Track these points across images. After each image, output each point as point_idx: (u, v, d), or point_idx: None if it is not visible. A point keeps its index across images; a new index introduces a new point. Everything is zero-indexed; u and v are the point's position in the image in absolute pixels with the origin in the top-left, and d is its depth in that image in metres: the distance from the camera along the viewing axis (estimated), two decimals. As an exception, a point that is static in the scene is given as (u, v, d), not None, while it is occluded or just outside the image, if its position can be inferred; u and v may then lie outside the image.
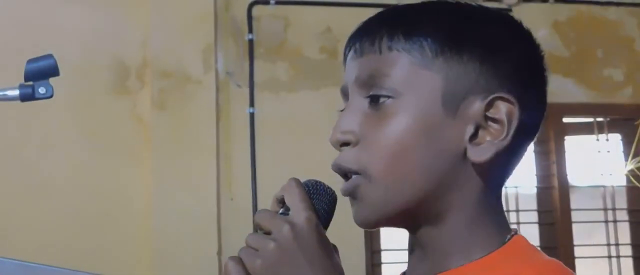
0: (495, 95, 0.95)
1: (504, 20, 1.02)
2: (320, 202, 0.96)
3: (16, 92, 1.54)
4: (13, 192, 3.57)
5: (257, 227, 0.95)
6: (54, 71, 1.53)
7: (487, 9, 1.03)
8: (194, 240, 3.57)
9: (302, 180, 0.97)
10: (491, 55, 0.97)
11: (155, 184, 3.62)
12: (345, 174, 0.98)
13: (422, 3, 1.01)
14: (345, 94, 1.01)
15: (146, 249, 3.57)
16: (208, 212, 3.62)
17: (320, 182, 0.97)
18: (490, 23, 1.00)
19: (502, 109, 0.95)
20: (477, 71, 0.96)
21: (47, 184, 3.59)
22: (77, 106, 3.67)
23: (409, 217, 0.98)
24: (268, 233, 0.93)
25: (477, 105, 0.95)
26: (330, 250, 0.94)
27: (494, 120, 0.96)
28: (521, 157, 1.01)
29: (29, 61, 1.54)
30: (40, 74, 1.53)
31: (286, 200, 0.95)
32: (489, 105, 0.95)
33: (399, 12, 1.00)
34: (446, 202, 0.96)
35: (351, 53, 1.01)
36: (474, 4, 1.02)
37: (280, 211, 0.95)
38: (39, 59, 1.54)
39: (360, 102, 0.98)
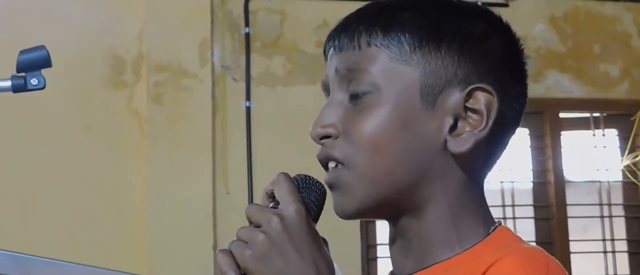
0: (474, 86, 0.97)
1: (482, 14, 1.03)
2: (310, 195, 0.97)
3: (8, 83, 1.53)
4: (8, 185, 3.56)
5: (248, 221, 0.96)
6: (46, 62, 1.53)
7: (465, 3, 1.04)
8: (189, 234, 3.57)
9: (292, 175, 0.98)
10: (468, 48, 0.98)
11: (151, 178, 3.62)
12: (327, 164, 1.00)
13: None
14: (326, 89, 1.04)
15: (142, 242, 3.57)
16: (204, 205, 3.62)
17: (309, 176, 0.98)
18: (468, 17, 1.01)
19: (481, 99, 0.97)
20: (455, 64, 0.98)
21: (43, 176, 3.58)
22: (73, 99, 3.67)
23: (390, 209, 0.99)
24: (258, 226, 0.93)
25: (456, 97, 0.97)
26: (319, 242, 0.94)
27: (473, 111, 0.97)
28: (503, 149, 1.03)
29: (21, 52, 1.54)
30: (33, 65, 1.52)
31: (275, 194, 0.96)
32: (468, 96, 0.97)
33: (377, 8, 1.02)
34: (428, 193, 0.98)
35: (331, 49, 1.03)
36: None
37: (271, 205, 0.96)
38: (31, 50, 1.54)
39: (340, 96, 1.00)
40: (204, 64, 3.74)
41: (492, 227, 0.99)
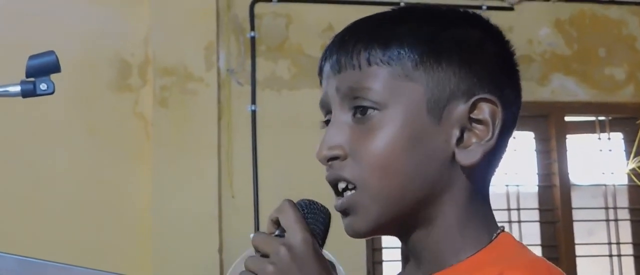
0: (478, 97, 0.97)
1: (475, 21, 1.03)
2: (315, 221, 0.97)
3: (18, 88, 1.55)
4: (14, 188, 3.57)
5: (255, 250, 0.96)
6: (55, 67, 1.54)
7: (457, 10, 1.03)
8: (195, 238, 3.57)
9: (296, 200, 0.98)
10: (468, 58, 0.98)
11: (157, 182, 3.62)
12: (337, 186, 0.99)
13: (393, 12, 1.02)
14: (324, 107, 1.02)
15: (147, 245, 3.57)
16: (209, 209, 3.62)
17: (313, 201, 0.98)
18: (463, 26, 1.01)
19: (485, 110, 0.97)
20: (456, 76, 0.97)
21: (49, 180, 3.59)
22: (79, 103, 3.67)
23: (401, 225, 0.99)
24: (266, 256, 0.94)
25: (460, 109, 0.97)
26: (327, 269, 0.95)
27: (479, 122, 0.97)
28: (504, 152, 1.03)
29: (31, 57, 1.55)
30: (42, 70, 1.53)
31: (281, 222, 0.95)
32: (472, 107, 0.97)
33: (373, 23, 1.01)
34: (438, 206, 0.97)
35: (328, 68, 1.02)
36: (442, 6, 1.03)
37: (276, 233, 0.96)
38: (41, 55, 1.55)
39: (344, 116, 0.99)
40: (209, 67, 3.74)
41: (495, 234, 0.99)
